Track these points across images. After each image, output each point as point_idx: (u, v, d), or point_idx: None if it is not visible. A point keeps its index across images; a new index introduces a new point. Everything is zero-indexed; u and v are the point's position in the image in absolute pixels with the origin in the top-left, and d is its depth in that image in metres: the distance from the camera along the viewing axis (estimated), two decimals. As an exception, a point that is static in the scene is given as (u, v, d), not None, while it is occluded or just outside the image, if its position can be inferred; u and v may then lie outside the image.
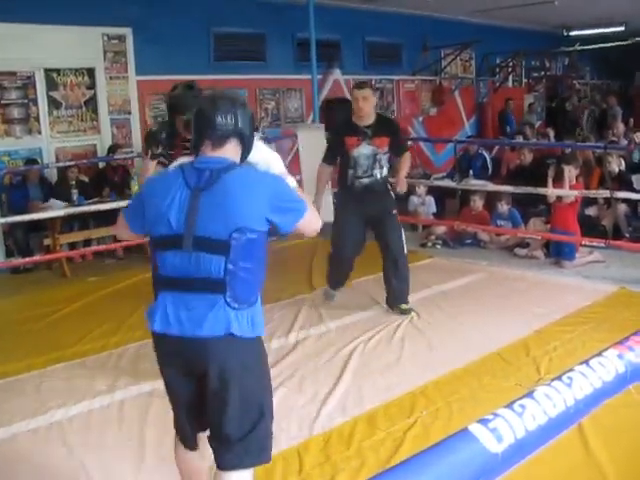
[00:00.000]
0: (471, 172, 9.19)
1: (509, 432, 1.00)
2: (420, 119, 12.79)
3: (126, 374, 4.53)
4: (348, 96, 11.18)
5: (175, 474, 2.75)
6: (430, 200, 8.79)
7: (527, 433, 1.01)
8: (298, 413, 3.85)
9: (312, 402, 3.98)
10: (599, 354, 1.22)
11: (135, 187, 8.14)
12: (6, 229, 7.94)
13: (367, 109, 5.29)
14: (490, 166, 9.84)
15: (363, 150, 5.31)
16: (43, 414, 3.97)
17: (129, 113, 9.09)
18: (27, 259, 7.56)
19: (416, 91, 12.73)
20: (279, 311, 5.71)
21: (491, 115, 13.83)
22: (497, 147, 11.30)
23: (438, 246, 7.94)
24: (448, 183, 8.69)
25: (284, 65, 10.50)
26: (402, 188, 5.52)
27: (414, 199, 8.87)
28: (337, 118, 10.42)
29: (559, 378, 1.16)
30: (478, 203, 7.99)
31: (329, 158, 5.64)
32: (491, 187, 7.96)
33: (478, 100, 14.05)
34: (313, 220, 2.52)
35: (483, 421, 1.02)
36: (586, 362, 1.20)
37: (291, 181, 2.62)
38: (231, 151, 2.45)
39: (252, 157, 2.58)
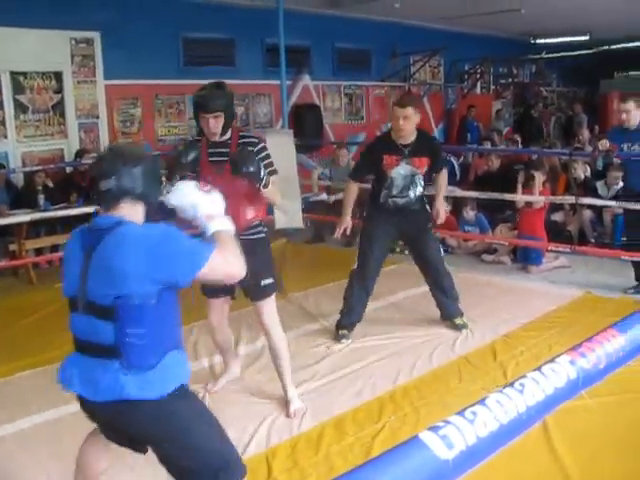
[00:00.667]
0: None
1: (460, 439, 1.01)
2: (389, 125, 12.83)
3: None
4: (317, 102, 11.26)
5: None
6: (398, 206, 8.81)
7: (478, 440, 1.02)
8: (266, 418, 3.85)
9: (280, 407, 3.98)
10: (552, 360, 1.24)
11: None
12: (-29, 234, 7.84)
13: (408, 128, 4.88)
14: (458, 172, 9.92)
15: (401, 170, 4.96)
16: (9, 422, 3.93)
17: (97, 117, 9.03)
18: (-8, 265, 7.47)
19: (385, 97, 12.79)
20: (247, 317, 5.68)
21: (459, 121, 13.93)
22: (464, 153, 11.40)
23: (405, 252, 7.94)
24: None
25: (253, 70, 10.50)
26: (441, 219, 5.27)
27: (383, 205, 8.89)
28: (306, 124, 10.51)
29: (511, 385, 1.18)
30: (445, 209, 8.03)
31: (358, 174, 5.29)
32: (459, 193, 8.02)
33: (446, 106, 14.17)
34: (221, 265, 2.32)
35: (434, 428, 1.04)
36: (539, 369, 1.22)
37: (218, 224, 2.43)
38: (127, 210, 2.34)
39: (179, 203, 2.47)
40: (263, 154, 3.70)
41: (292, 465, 3.34)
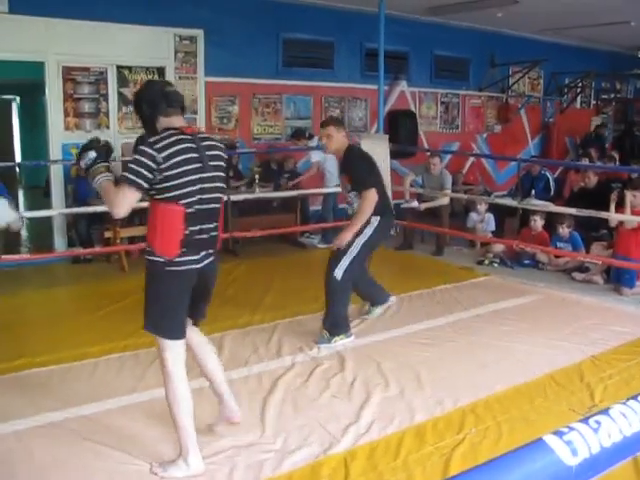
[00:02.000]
0: (533, 192, 9.08)
1: (584, 446, 0.98)
2: (484, 135, 12.68)
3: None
4: (413, 108, 11.21)
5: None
6: (490, 218, 8.70)
7: (602, 449, 0.99)
8: (346, 420, 3.84)
9: (361, 410, 3.96)
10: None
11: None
12: (70, 220, 8.15)
13: (330, 147, 5.16)
14: (553, 187, 9.71)
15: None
16: (96, 401, 4.06)
17: (195, 113, 9.22)
18: (87, 250, 7.74)
19: (482, 107, 12.62)
20: (314, 322, 5.70)
21: (556, 135, 13.62)
22: (561, 168, 11.14)
23: (495, 264, 7.84)
24: (509, 202, 8.59)
25: (351, 74, 10.54)
26: (339, 243, 5.03)
27: (474, 216, 8.79)
28: (401, 130, 10.47)
29: (635, 398, 1.14)
30: (538, 223, 7.87)
31: None
32: (553, 208, 7.84)
33: (544, 120, 13.86)
34: None
35: (558, 433, 1.01)
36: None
37: None
38: None
39: None
40: (130, 158, 3.15)
41: (370, 469, 3.32)
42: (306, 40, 10.05)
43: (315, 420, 3.85)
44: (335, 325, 5.16)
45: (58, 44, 8.03)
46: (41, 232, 9.08)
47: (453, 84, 12.05)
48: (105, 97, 8.54)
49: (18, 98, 15.72)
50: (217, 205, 3.19)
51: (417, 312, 5.95)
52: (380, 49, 8.49)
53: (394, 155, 8.45)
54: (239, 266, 7.69)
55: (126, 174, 2.99)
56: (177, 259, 3.08)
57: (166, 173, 2.98)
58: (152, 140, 3.02)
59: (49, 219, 8.39)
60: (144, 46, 8.68)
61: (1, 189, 6.96)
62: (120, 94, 8.65)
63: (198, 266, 3.15)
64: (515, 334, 5.40)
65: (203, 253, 3.16)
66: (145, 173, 2.97)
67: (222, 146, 3.31)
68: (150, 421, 3.80)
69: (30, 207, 11.97)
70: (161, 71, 8.92)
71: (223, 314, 5.78)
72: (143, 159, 2.97)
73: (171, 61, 8.98)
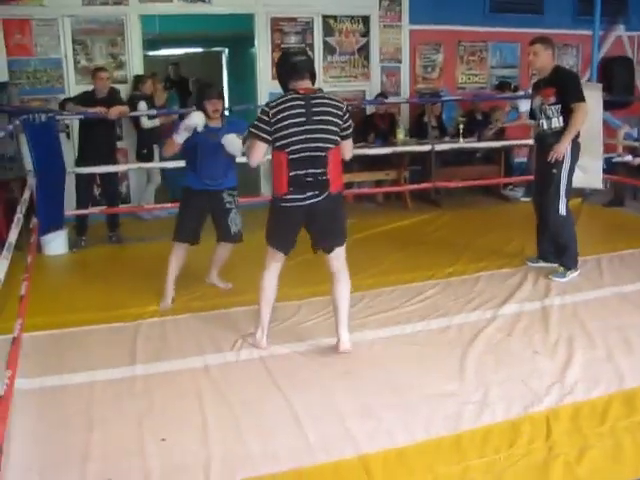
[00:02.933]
0: None
1: None
2: None
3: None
4: (630, 55, 10.42)
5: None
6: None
7: None
8: (549, 379, 3.72)
9: (564, 369, 3.82)
10: None
11: (400, 135, 8.32)
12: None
13: (535, 63, 5.45)
14: None
15: (535, 103, 5.60)
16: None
17: (399, 62, 9.21)
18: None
19: None
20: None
21: None
22: None
23: None
24: None
25: (562, 19, 9.90)
26: (557, 154, 5.25)
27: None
28: (615, 79, 9.79)
29: None
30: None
31: None
32: None
33: None
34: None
35: None
36: None
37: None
38: None
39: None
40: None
41: (574, 431, 3.20)
42: (515, -16, 9.60)
43: (516, 376, 3.77)
44: (572, 258, 5.46)
45: (267, -4, 8.33)
46: (249, 178, 9.48)
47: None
48: (311, 46, 8.70)
49: (227, 50, 16.37)
50: (323, 153, 3.77)
51: (627, 273, 5.59)
52: (598, -11, 7.95)
53: (606, 106, 7.89)
54: (441, 216, 7.73)
55: (252, 129, 3.83)
56: (285, 197, 3.82)
57: (275, 126, 3.73)
58: (270, 101, 3.86)
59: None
60: (350, -5, 8.74)
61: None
62: (325, 43, 8.80)
63: (303, 203, 3.81)
64: None
65: (309, 193, 3.80)
66: (263, 126, 3.76)
67: (336, 104, 3.85)
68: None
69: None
70: (365, 20, 8.96)
71: (424, 264, 5.82)
72: (262, 116, 3.78)
73: (376, 9, 8.99)
